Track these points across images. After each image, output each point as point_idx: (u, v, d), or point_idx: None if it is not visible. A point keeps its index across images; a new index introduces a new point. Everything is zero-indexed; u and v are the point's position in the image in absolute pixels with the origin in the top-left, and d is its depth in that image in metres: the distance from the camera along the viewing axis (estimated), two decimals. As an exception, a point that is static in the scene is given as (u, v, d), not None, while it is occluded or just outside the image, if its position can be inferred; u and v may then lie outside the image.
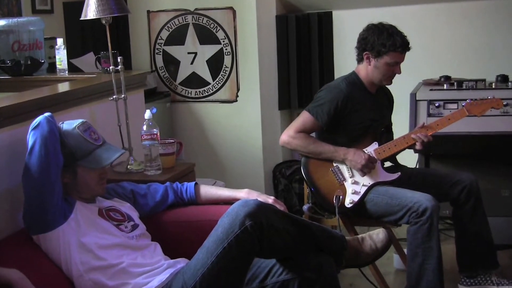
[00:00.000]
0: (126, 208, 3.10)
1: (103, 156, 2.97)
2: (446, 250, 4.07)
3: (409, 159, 4.32)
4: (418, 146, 3.83)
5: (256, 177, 5.66)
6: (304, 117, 3.88)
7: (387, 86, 4.06)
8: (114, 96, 3.82)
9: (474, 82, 4.84)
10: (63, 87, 4.02)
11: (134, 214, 3.10)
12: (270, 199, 3.13)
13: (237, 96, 5.69)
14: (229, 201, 3.14)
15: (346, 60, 5.31)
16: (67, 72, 4.71)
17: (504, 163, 4.84)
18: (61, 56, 4.69)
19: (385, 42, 3.80)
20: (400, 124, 4.34)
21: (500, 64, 5.32)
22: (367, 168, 3.77)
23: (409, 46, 3.86)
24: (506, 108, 4.46)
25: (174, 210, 3.27)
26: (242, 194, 3.21)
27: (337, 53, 5.77)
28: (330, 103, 3.83)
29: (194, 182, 3.34)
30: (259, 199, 3.02)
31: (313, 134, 3.96)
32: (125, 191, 3.23)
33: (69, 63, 4.86)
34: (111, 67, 3.84)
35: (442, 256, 3.65)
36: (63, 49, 4.70)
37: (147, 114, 3.67)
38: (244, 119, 5.68)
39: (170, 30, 5.77)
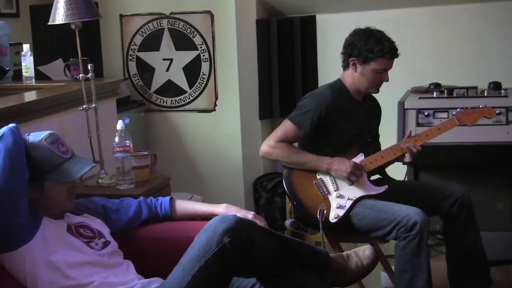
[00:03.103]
0: (97, 224, 3.08)
1: (73, 169, 2.95)
2: (436, 267, 4.08)
3: (397, 171, 4.33)
4: (406, 158, 3.85)
5: (236, 190, 5.67)
6: (286, 126, 3.89)
7: (374, 94, 4.08)
8: (84, 106, 3.81)
9: (465, 89, 4.86)
10: (30, 96, 4.02)
11: (106, 231, 3.09)
12: (249, 214, 3.13)
13: (215, 105, 5.70)
14: (206, 217, 3.13)
15: (330, 67, 5.33)
16: (34, 80, 4.70)
17: (498, 175, 4.86)
18: (27, 63, 4.69)
19: (372, 48, 3.82)
20: (387, 134, 4.35)
21: (492, 71, 5.36)
22: (354, 175, 3.79)
23: (398, 52, 3.88)
24: (498, 117, 4.49)
25: (148, 226, 3.26)
26: (220, 209, 3.21)
27: (321, 59, 5.80)
28: (314, 112, 3.84)
29: (169, 197, 3.33)
30: (238, 214, 3.01)
31: (295, 144, 3.97)
32: (96, 207, 3.21)
33: (36, 71, 4.85)
34: (81, 75, 3.84)
35: (432, 273, 3.65)
36: (30, 55, 4.70)
37: (120, 124, 3.66)
38: (223, 130, 5.69)
39: (144, 35, 5.78)
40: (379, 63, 3.83)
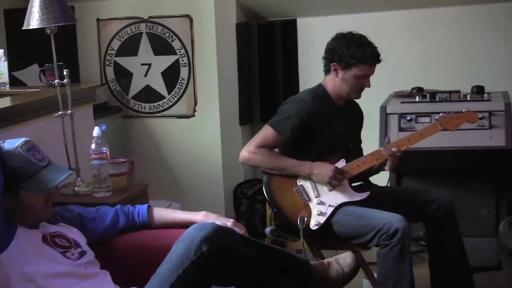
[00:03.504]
0: (73, 233, 3.07)
1: (49, 177, 2.94)
2: (419, 274, 4.10)
3: (379, 177, 4.33)
4: (387, 167, 3.87)
5: (216, 198, 5.67)
6: (266, 132, 3.89)
7: (355, 99, 4.09)
8: (60, 112, 3.80)
9: (448, 93, 4.89)
10: (4, 102, 4.00)
11: (82, 240, 3.07)
12: (229, 222, 3.13)
13: (194, 110, 5.70)
14: (185, 225, 3.13)
15: (312, 72, 5.35)
16: (8, 86, 4.69)
17: (481, 180, 4.88)
18: (1, 69, 4.69)
19: (354, 53, 3.82)
20: (369, 140, 4.37)
21: (475, 75, 5.38)
22: (335, 180, 3.79)
23: (380, 58, 3.89)
24: (481, 122, 4.51)
25: (126, 235, 3.25)
26: (199, 217, 3.21)
27: (302, 64, 5.81)
28: (295, 117, 3.85)
29: (147, 205, 3.32)
30: (217, 222, 3.01)
31: (276, 150, 3.98)
32: (72, 215, 3.20)
33: (10, 76, 4.84)
34: (56, 81, 3.83)
35: (416, 281, 3.66)
36: (4, 60, 4.69)
37: (96, 131, 3.66)
38: (202, 136, 5.69)
39: (122, 39, 5.77)
40: (361, 69, 3.84)
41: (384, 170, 3.98)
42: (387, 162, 3.85)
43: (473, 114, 3.99)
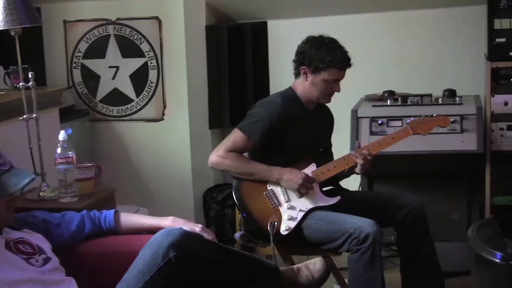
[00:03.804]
0: (38, 239, 3.05)
1: (11, 182, 2.92)
2: (391, 279, 4.12)
3: (351, 181, 4.35)
4: (358, 170, 3.87)
5: (185, 203, 5.65)
6: (235, 136, 3.89)
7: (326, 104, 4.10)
8: (24, 116, 3.77)
9: (420, 97, 4.93)
10: (-33, 105, 3.97)
11: (47, 246, 3.05)
12: (197, 227, 3.12)
13: (163, 114, 5.68)
14: (152, 230, 3.11)
15: (282, 74, 5.35)
16: (-29, 88, 4.65)
17: (453, 184, 4.92)
18: (-36, 71, 4.64)
19: (323, 58, 3.83)
20: (340, 144, 4.38)
21: (447, 78, 5.42)
22: (304, 187, 3.80)
23: (350, 62, 3.90)
24: (453, 125, 4.55)
25: (92, 241, 3.23)
26: (167, 222, 3.19)
27: (272, 66, 5.81)
28: (264, 121, 3.85)
29: (113, 210, 3.30)
30: (185, 227, 3.00)
31: (246, 155, 3.98)
32: (37, 221, 3.17)
33: (-26, 79, 4.79)
34: (21, 83, 3.80)
35: (387, 286, 3.67)
36: (-32, 63, 4.65)
37: (62, 135, 3.64)
38: (171, 139, 5.67)
39: (89, 42, 5.73)
40: (330, 74, 3.84)
41: (355, 174, 3.98)
42: (358, 165, 3.86)
43: (444, 118, 4.01)
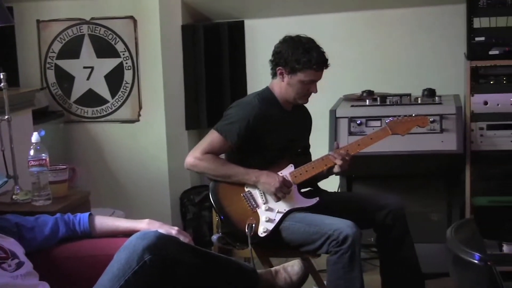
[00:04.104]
0: (10, 243, 3.03)
1: (-18, 185, 2.91)
2: (371, 281, 4.13)
3: (330, 182, 4.36)
4: (336, 169, 3.88)
5: (162, 205, 5.64)
6: (212, 137, 3.89)
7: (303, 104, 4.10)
8: (-4, 117, 3.76)
9: (399, 97, 4.94)
10: None
11: (20, 251, 3.03)
12: (173, 230, 3.12)
13: (139, 115, 5.67)
14: (128, 233, 3.11)
15: (260, 74, 5.35)
16: None
17: (433, 185, 4.94)
18: None
19: (299, 58, 3.82)
20: (319, 144, 4.39)
21: (427, 77, 5.44)
22: (281, 192, 3.80)
23: (327, 63, 3.90)
24: (432, 125, 4.56)
25: (66, 245, 3.22)
26: (142, 225, 3.19)
27: (250, 66, 5.81)
28: (241, 122, 3.85)
29: (88, 213, 3.29)
30: (161, 230, 3.01)
31: (223, 156, 3.97)
32: (9, 225, 3.16)
33: None
34: (-8, 84, 3.79)
35: (366, 288, 3.70)
36: None
37: (35, 137, 3.62)
38: (147, 141, 5.66)
39: (63, 42, 5.71)
40: (306, 75, 3.84)
41: (333, 174, 3.99)
42: (336, 166, 3.86)
43: (423, 118, 4.02)
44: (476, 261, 2.06)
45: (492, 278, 2.06)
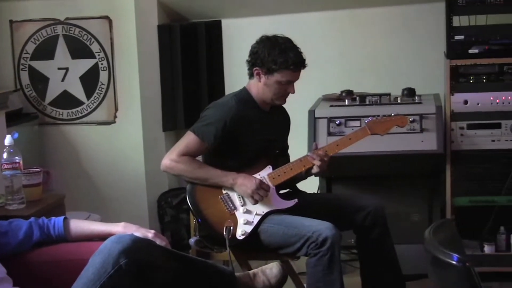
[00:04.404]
0: (-17, 249, 3.03)
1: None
2: (352, 284, 4.15)
3: (309, 183, 4.37)
4: (314, 170, 3.89)
5: (139, 208, 5.64)
6: (188, 139, 3.89)
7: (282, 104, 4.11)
8: (-32, 120, 3.75)
9: (378, 96, 4.95)
10: None
11: (-7, 256, 3.03)
12: (149, 233, 3.11)
13: (115, 116, 5.66)
14: (103, 237, 3.10)
15: (238, 75, 5.34)
16: None
17: (413, 185, 4.96)
18: None
19: (276, 59, 3.82)
20: (297, 145, 4.40)
21: (406, 77, 5.47)
22: (258, 195, 3.80)
23: (305, 63, 3.90)
24: (412, 125, 4.58)
25: (40, 249, 3.20)
26: (118, 228, 3.18)
27: (227, 66, 5.81)
28: (218, 123, 3.85)
29: (63, 217, 3.28)
30: (137, 233, 3.00)
31: (200, 158, 3.97)
32: (-18, 229, 3.15)
33: None
34: (-36, 87, 3.78)
35: (347, 290, 3.71)
36: None
37: (8, 139, 3.61)
38: (123, 143, 5.66)
39: (37, 42, 5.70)
40: (283, 75, 3.85)
41: (312, 175, 4.00)
42: (314, 167, 3.87)
43: (403, 118, 4.04)
44: (454, 262, 2.07)
45: (470, 279, 2.07)
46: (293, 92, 3.93)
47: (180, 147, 3.88)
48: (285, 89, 3.90)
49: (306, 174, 3.99)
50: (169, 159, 3.86)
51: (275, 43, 3.86)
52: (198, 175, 3.86)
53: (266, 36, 3.93)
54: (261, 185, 3.82)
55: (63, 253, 3.18)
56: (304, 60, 3.89)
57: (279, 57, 3.81)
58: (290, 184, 4.08)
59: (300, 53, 3.88)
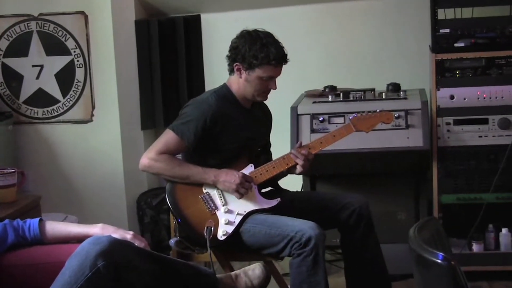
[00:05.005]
0: (-44, 252, 3.03)
1: None
2: (336, 284, 4.17)
3: (293, 182, 4.39)
4: (298, 170, 3.90)
5: (117, 209, 5.65)
6: (167, 137, 3.89)
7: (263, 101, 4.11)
8: None
9: (362, 92, 4.96)
10: None
11: (-34, 259, 3.03)
12: (128, 235, 3.12)
13: (92, 115, 5.66)
14: (81, 239, 3.10)
15: (218, 71, 5.34)
16: None
17: (399, 183, 4.97)
18: None
19: (257, 54, 3.82)
20: (280, 143, 4.40)
21: (391, 71, 5.48)
22: (243, 187, 3.81)
23: (287, 58, 3.91)
24: (398, 121, 4.59)
25: (16, 252, 3.20)
26: (96, 229, 3.18)
27: (207, 62, 5.82)
28: (197, 120, 3.85)
29: (38, 218, 3.29)
30: (115, 235, 3.01)
31: (179, 156, 3.98)
32: (-45, 232, 3.15)
33: None
34: None
35: (332, 291, 3.72)
36: None
37: (-20, 140, 3.62)
38: (101, 142, 5.65)
39: (10, 39, 5.69)
40: (264, 71, 3.85)
41: (294, 174, 4.01)
42: (297, 166, 3.89)
43: (388, 114, 4.05)
44: (439, 261, 2.08)
45: (456, 279, 2.08)
46: (275, 88, 3.94)
47: (159, 145, 3.87)
48: (267, 85, 3.91)
49: (288, 171, 4.00)
50: (148, 158, 3.86)
51: (256, 38, 3.86)
52: (178, 173, 3.86)
53: (246, 31, 3.93)
54: (245, 178, 3.83)
55: (39, 256, 3.18)
56: (286, 55, 3.89)
57: (260, 52, 3.82)
58: (273, 182, 4.08)
59: (282, 47, 3.89)
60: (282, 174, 4.03)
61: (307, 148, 3.90)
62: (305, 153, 3.87)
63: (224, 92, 3.99)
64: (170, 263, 2.92)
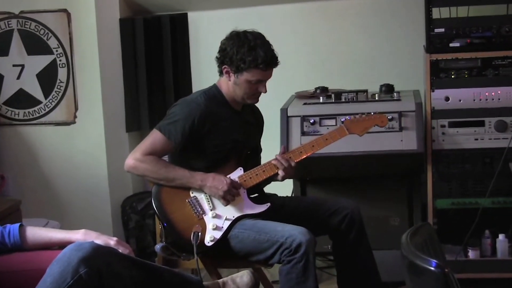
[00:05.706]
0: None
1: None
2: (328, 292, 4.17)
3: (282, 186, 4.38)
4: (279, 176, 3.91)
5: (101, 213, 5.64)
6: (154, 137, 3.89)
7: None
8: None
9: (355, 93, 4.95)
10: None
11: None
12: (111, 241, 3.12)
13: (75, 116, 5.65)
14: (62, 245, 3.10)
15: (205, 71, 5.38)
16: None
17: (393, 187, 4.96)
18: None
19: (244, 58, 3.82)
20: (270, 146, 4.39)
21: (384, 72, 5.48)
22: (230, 194, 3.81)
23: (276, 61, 3.89)
24: (391, 123, 4.57)
25: (-5, 259, 3.21)
26: (78, 235, 3.18)
27: (195, 62, 5.81)
28: (185, 121, 3.85)
29: (18, 224, 3.28)
30: (97, 241, 3.01)
31: (166, 158, 3.97)
32: None
33: None
34: None
35: (322, 299, 3.73)
36: None
37: (-41, 142, 3.61)
38: (85, 144, 5.64)
39: (-10, 38, 5.68)
40: (253, 74, 3.85)
41: (278, 181, 4.01)
42: (278, 172, 3.89)
43: (382, 117, 4.05)
44: (432, 268, 2.09)
45: (450, 286, 2.09)
46: (265, 92, 3.93)
47: (145, 145, 3.87)
48: (256, 88, 3.91)
49: (271, 179, 3.99)
50: (133, 158, 3.85)
51: (244, 40, 3.85)
52: (164, 175, 3.86)
53: (236, 32, 3.92)
54: (233, 184, 3.83)
55: (19, 263, 3.17)
56: (276, 57, 3.88)
57: (247, 56, 3.81)
58: (257, 188, 4.07)
59: (271, 50, 3.88)
60: (267, 181, 4.02)
61: (298, 152, 3.90)
62: (287, 158, 3.86)
63: (213, 92, 3.99)
64: (155, 270, 2.92)
